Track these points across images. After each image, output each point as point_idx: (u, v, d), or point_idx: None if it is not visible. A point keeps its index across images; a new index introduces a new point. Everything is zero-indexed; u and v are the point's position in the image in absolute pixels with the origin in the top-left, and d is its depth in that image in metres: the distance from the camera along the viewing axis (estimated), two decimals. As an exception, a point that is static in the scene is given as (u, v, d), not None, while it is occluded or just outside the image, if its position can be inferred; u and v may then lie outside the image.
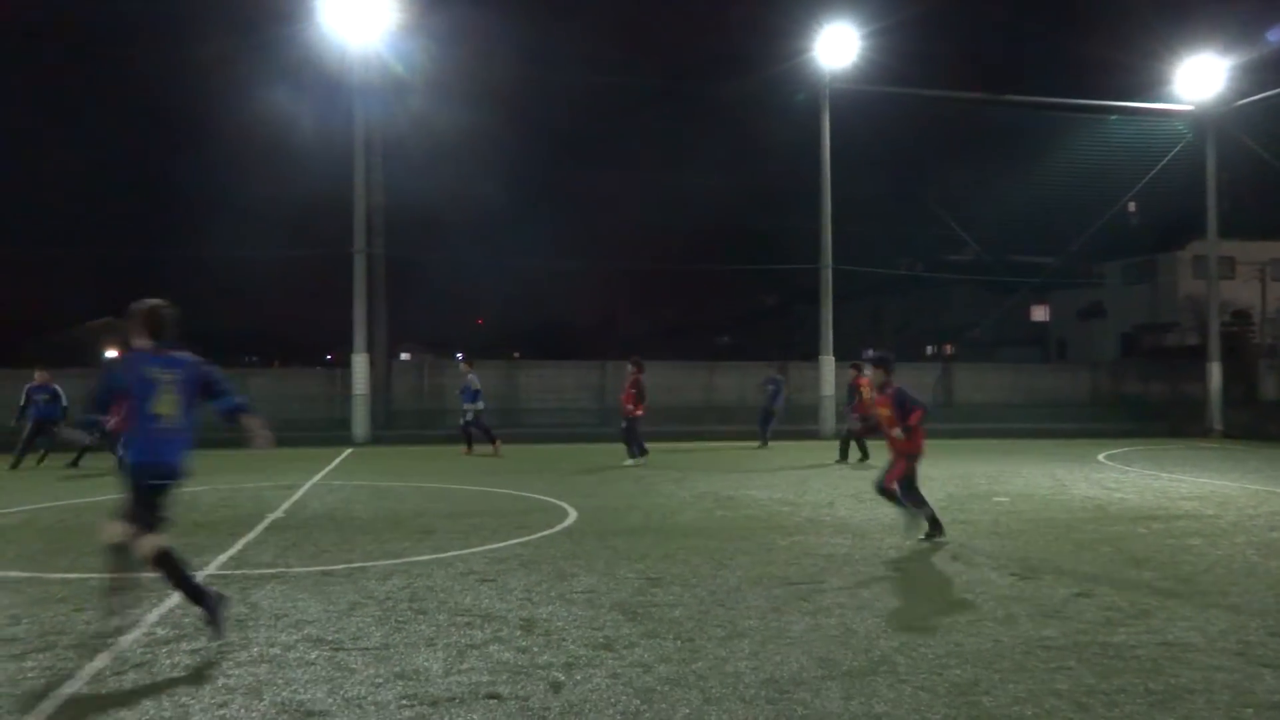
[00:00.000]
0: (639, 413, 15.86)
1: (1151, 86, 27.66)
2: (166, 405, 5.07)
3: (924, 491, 11.99)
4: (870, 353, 9.75)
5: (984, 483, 13.06)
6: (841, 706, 4.19)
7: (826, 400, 25.55)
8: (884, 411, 8.30)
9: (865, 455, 15.78)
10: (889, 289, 49.85)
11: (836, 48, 24.78)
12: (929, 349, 51.30)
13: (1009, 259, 43.44)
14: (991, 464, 15.85)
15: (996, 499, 11.32)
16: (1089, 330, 47.65)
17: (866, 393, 14.68)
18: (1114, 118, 29.17)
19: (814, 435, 24.44)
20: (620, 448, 16.14)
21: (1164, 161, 29.04)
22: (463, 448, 18.05)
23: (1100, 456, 17.26)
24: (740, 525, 9.30)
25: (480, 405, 18.16)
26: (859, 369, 15.23)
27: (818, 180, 25.82)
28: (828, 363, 25.69)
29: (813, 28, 24.68)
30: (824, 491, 12.02)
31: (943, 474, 14.25)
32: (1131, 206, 40.86)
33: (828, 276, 25.95)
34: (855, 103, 26.79)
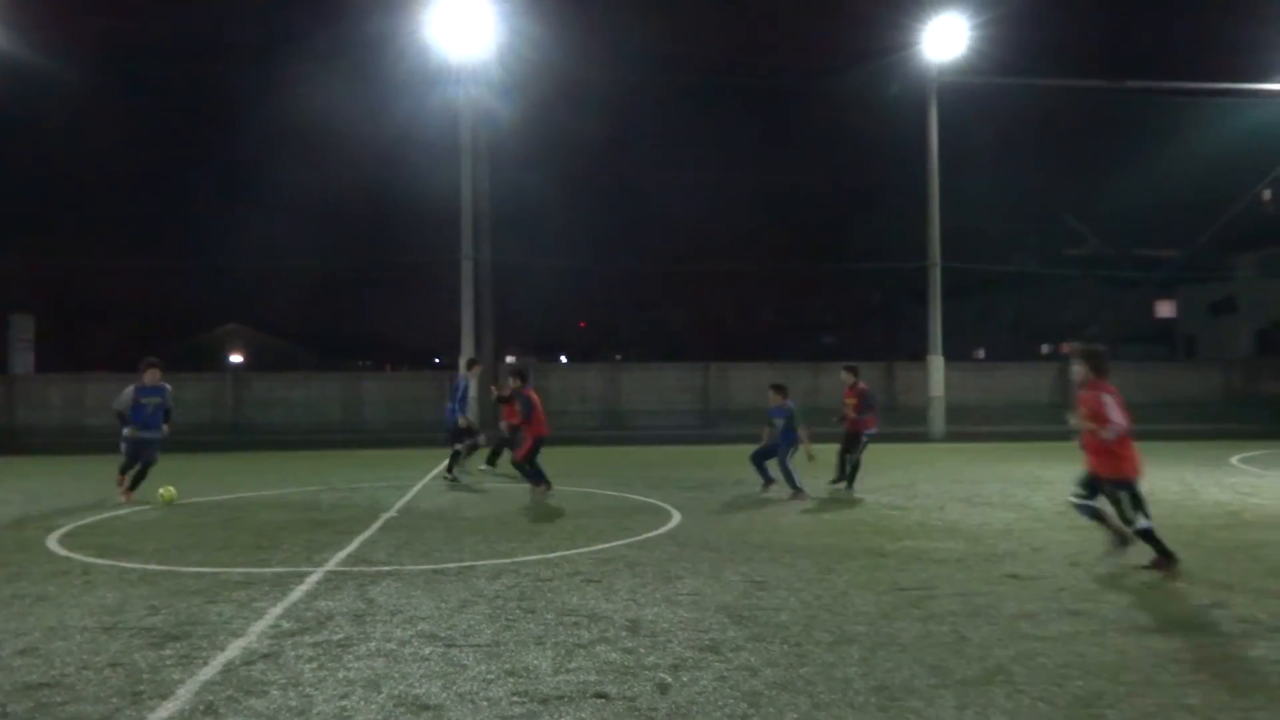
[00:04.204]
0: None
1: (1287, 66, 25.99)
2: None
3: (1040, 496, 11.59)
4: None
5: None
6: (955, 716, 4.07)
7: (935, 401, 24.91)
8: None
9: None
10: (1001, 286, 48.18)
11: (945, 39, 24.14)
12: (1044, 348, 49.39)
13: (1131, 252, 41.50)
14: (1113, 467, 15.13)
15: (1119, 504, 10.80)
16: (1220, 326, 45.04)
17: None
18: (1245, 101, 27.49)
19: (922, 438, 23.86)
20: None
21: (1302, 146, 27.28)
22: None
23: (1234, 459, 16.30)
24: (847, 529, 9.14)
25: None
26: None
27: (925, 176, 25.22)
28: (936, 363, 25.06)
29: (920, 20, 24.09)
30: (933, 495, 11.71)
31: (1060, 477, 13.70)
32: (1266, 194, 38.50)
33: (936, 275, 25.30)
34: (965, 95, 26.08)
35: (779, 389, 12.04)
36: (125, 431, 11.13)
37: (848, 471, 12.18)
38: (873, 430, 12.30)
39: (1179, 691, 4.36)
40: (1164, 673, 4.63)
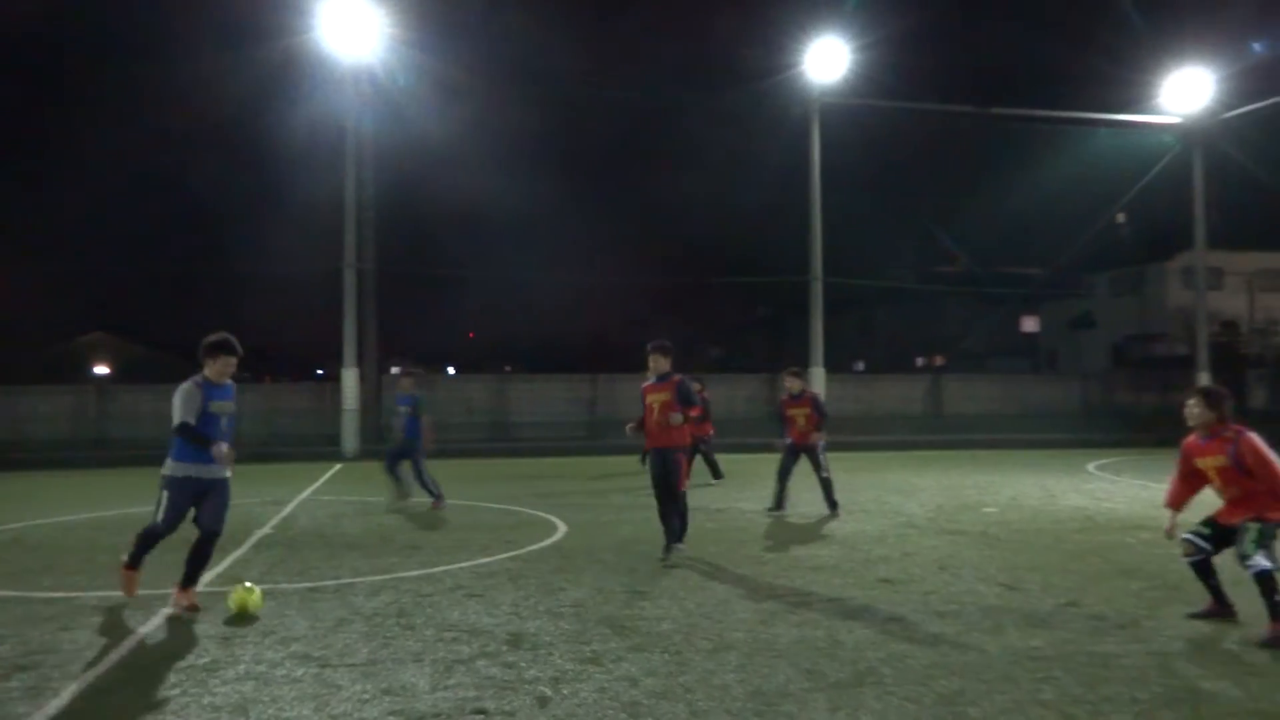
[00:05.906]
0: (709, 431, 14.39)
1: (1139, 99, 27.93)
2: None
3: (913, 503, 12.04)
4: None
5: (973, 493, 13.09)
6: (828, 718, 4.20)
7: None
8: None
9: None
10: (879, 301, 49.98)
11: (827, 61, 24.95)
12: (919, 360, 51.42)
13: (999, 270, 43.66)
14: (981, 474, 15.89)
15: (985, 509, 11.34)
16: (1079, 341, 47.84)
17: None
18: (1102, 130, 29.38)
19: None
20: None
21: (1151, 174, 29.28)
22: None
23: (1090, 466, 17.31)
24: (729, 537, 9.30)
25: None
26: None
27: (807, 193, 25.95)
28: (818, 374, 25.73)
29: (803, 42, 24.84)
30: (813, 504, 12.01)
31: (932, 484, 14.28)
32: (1120, 218, 41.15)
33: (818, 289, 26.03)
34: (845, 116, 26.98)
35: (410, 374, 11.63)
36: (167, 468, 6.46)
37: (823, 491, 10.96)
38: (824, 441, 10.97)
39: (1034, 686, 4.60)
40: (1021, 669, 4.87)
